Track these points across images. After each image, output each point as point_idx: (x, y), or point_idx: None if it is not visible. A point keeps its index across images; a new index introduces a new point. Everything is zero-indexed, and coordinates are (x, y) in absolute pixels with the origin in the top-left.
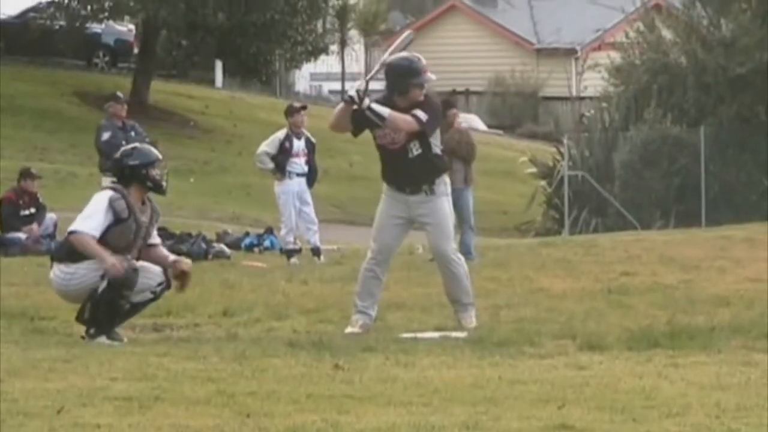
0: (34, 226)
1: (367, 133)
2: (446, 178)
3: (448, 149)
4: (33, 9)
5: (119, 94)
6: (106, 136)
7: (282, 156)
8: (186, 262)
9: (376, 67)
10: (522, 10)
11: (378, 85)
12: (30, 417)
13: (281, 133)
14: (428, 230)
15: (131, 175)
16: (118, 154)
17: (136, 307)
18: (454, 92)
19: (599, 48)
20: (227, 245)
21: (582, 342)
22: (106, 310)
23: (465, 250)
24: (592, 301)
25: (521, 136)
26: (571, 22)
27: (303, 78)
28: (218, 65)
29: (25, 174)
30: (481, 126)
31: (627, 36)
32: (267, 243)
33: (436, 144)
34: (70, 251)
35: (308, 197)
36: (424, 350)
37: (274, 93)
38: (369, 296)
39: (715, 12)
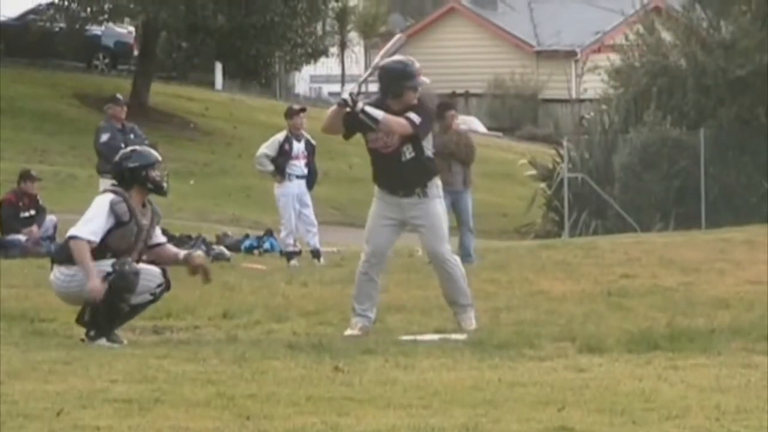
0: (34, 228)
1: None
2: (438, 181)
3: (447, 151)
4: (33, 11)
5: (119, 96)
6: (105, 137)
7: (282, 158)
8: (198, 256)
9: (369, 71)
10: (522, 12)
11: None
12: (30, 419)
13: (281, 136)
14: (422, 232)
15: (131, 177)
16: (117, 158)
17: (136, 309)
18: (453, 94)
19: (599, 50)
20: (227, 247)
21: (582, 344)
22: (106, 312)
23: (464, 252)
24: (591, 303)
25: (521, 138)
26: (570, 25)
27: (303, 80)
28: (218, 67)
29: (25, 176)
30: (481, 128)
31: (627, 38)
32: (267, 245)
33: (429, 147)
34: (70, 254)
35: (308, 199)
36: (423, 353)
37: (274, 95)
38: (366, 299)
39: (714, 14)
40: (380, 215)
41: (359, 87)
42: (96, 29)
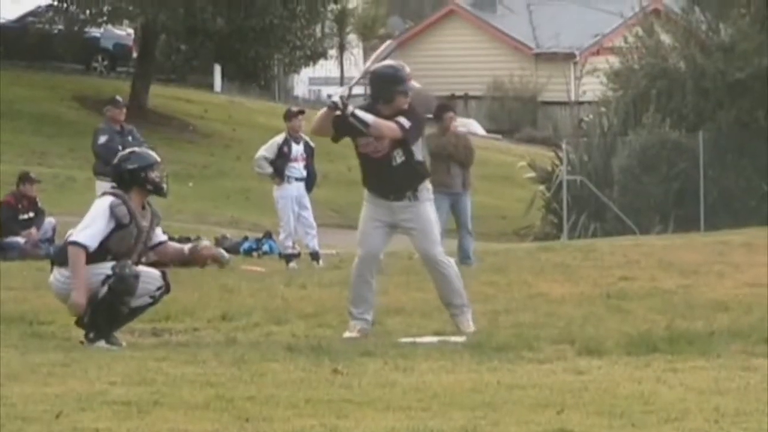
0: (33, 230)
1: None
2: (429, 184)
3: (446, 153)
4: (32, 13)
5: (118, 98)
6: (102, 139)
7: (281, 160)
8: (204, 246)
9: (359, 75)
10: (521, 14)
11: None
12: (29, 422)
13: (280, 138)
14: (413, 235)
15: (131, 179)
16: (116, 160)
17: (135, 312)
18: (452, 96)
19: (598, 53)
20: (226, 249)
21: (581, 347)
22: (105, 314)
23: (464, 254)
24: (590, 305)
25: (520, 140)
26: (569, 27)
27: (302, 82)
28: (217, 70)
29: (24, 178)
30: (480, 131)
31: (626, 41)
32: (266, 247)
33: (419, 151)
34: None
35: (307, 202)
36: (422, 355)
37: (273, 97)
38: (362, 302)
39: (714, 17)
40: (371, 218)
41: (349, 90)
42: (95, 31)
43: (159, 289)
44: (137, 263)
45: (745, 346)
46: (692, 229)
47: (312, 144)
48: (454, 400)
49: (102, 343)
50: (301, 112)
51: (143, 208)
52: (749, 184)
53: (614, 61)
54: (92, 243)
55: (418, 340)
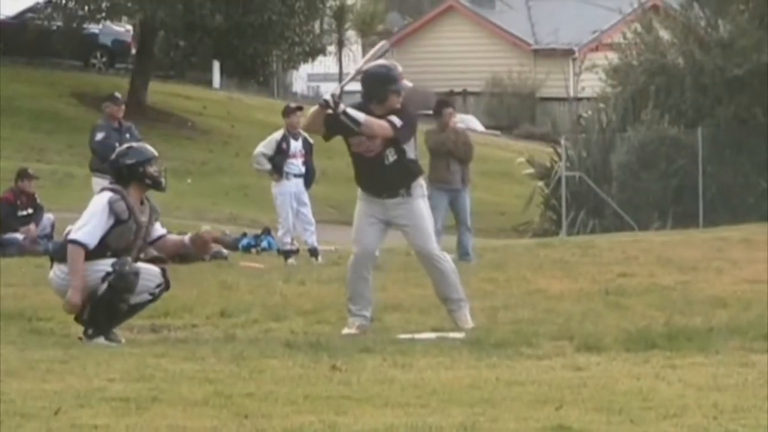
0: (32, 226)
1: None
2: (422, 181)
3: (445, 149)
4: (30, 9)
5: (117, 94)
6: (99, 136)
7: (279, 157)
8: (206, 231)
9: (352, 75)
10: (519, 11)
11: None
12: (27, 418)
13: (278, 134)
14: (407, 231)
15: (129, 174)
16: (114, 155)
17: (135, 309)
18: (451, 93)
19: (596, 49)
20: (225, 246)
21: (579, 343)
22: (105, 311)
23: (463, 251)
24: (589, 302)
25: (519, 136)
26: (568, 23)
27: (300, 79)
28: (216, 66)
29: (23, 174)
30: (479, 127)
31: (624, 37)
32: (264, 244)
33: (411, 150)
34: None
35: (305, 198)
36: (421, 351)
37: (272, 94)
38: (360, 299)
39: (712, 13)
40: (365, 214)
41: (341, 89)
42: (94, 28)
43: (159, 286)
44: (136, 259)
45: (743, 342)
46: (691, 225)
47: (311, 140)
48: (452, 397)
49: (101, 340)
50: (299, 109)
51: (141, 203)
52: (748, 180)
53: (613, 57)
54: (92, 241)
55: (417, 336)
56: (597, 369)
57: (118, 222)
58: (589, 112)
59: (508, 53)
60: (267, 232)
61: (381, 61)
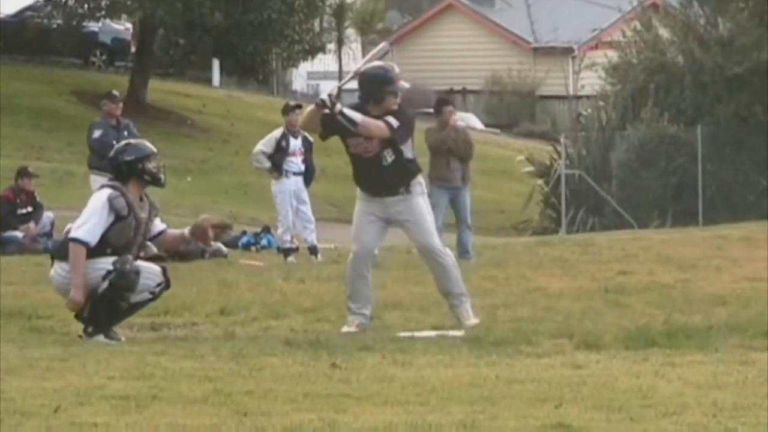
0: (32, 224)
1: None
2: (421, 179)
3: (446, 147)
4: (30, 8)
5: (114, 92)
6: (97, 134)
7: (279, 155)
8: (205, 218)
9: (350, 76)
10: (519, 9)
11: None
12: (27, 416)
13: (277, 132)
14: (408, 227)
15: (128, 171)
16: (112, 152)
17: (135, 307)
18: (451, 91)
19: (596, 47)
20: (224, 244)
21: (579, 341)
22: (105, 309)
23: (462, 249)
24: (589, 300)
25: (518, 135)
26: (568, 21)
27: (300, 77)
28: (215, 64)
29: (23, 173)
30: (479, 125)
31: (624, 35)
32: (264, 242)
33: (408, 149)
34: None
35: (305, 196)
36: (421, 349)
37: (272, 92)
38: (359, 297)
39: (712, 11)
40: (365, 212)
41: (339, 89)
42: (93, 26)
43: (159, 285)
44: (137, 257)
45: (743, 340)
46: (690, 223)
47: (311, 138)
48: (452, 395)
49: (101, 338)
50: (299, 107)
51: (141, 199)
52: (747, 178)
53: (612, 55)
54: (93, 239)
55: (417, 334)
56: (596, 367)
57: (118, 218)
58: (589, 111)
59: (508, 51)
60: (267, 230)
61: (378, 63)
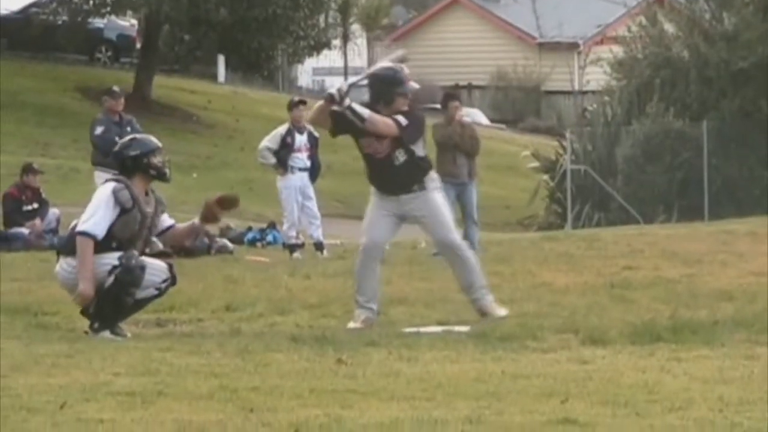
0: (37, 221)
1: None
2: (435, 175)
3: (452, 143)
4: (35, 4)
5: (115, 88)
6: (99, 130)
7: (284, 151)
8: (208, 200)
9: (361, 76)
10: (524, 4)
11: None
12: (33, 412)
13: (283, 128)
14: (425, 223)
15: (133, 165)
16: (117, 147)
17: (141, 303)
18: (456, 86)
19: (601, 42)
20: (230, 240)
21: (585, 336)
22: (111, 305)
23: (469, 244)
24: (594, 295)
25: (524, 130)
26: (573, 17)
27: (305, 73)
28: (221, 60)
29: (28, 169)
30: (484, 120)
31: (629, 30)
32: (270, 238)
33: (420, 148)
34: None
35: (311, 192)
36: (427, 345)
37: (277, 88)
38: (368, 290)
39: (717, 6)
40: (379, 207)
41: (349, 87)
42: (98, 22)
43: (165, 281)
44: (143, 253)
45: (749, 335)
46: (696, 218)
47: (316, 134)
48: (458, 390)
49: (106, 334)
50: (303, 102)
51: (146, 195)
52: (753, 173)
53: (618, 50)
54: (100, 232)
55: (422, 330)
56: (602, 362)
57: (123, 211)
58: (594, 106)
59: (513, 47)
60: (272, 226)
61: (387, 64)
